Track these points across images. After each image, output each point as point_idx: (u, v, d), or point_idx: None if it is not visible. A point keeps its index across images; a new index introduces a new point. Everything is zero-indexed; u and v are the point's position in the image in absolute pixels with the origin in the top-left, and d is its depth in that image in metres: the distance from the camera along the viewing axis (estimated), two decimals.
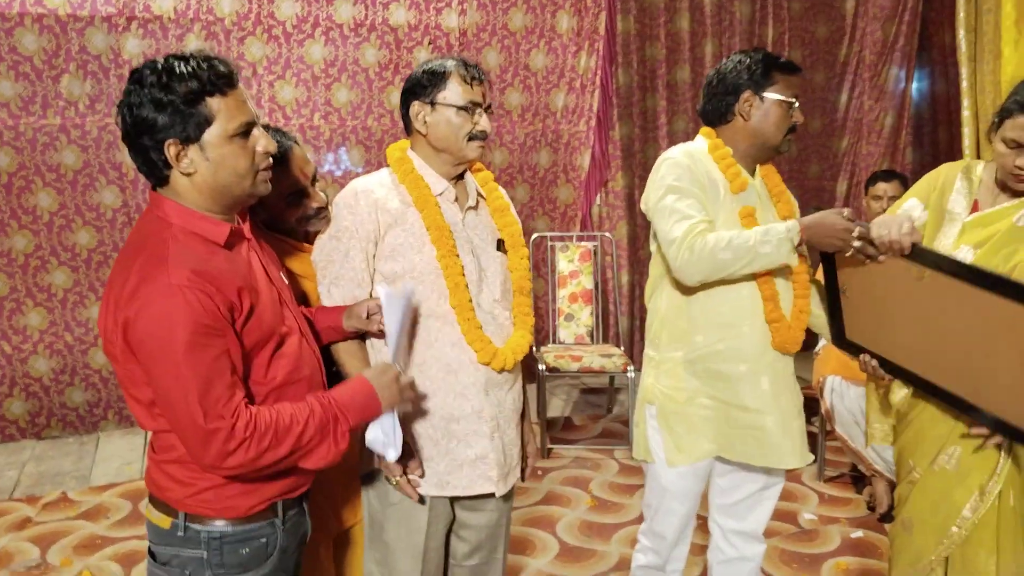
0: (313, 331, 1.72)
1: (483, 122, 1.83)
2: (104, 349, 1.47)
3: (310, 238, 1.97)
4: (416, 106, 1.83)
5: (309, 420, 1.46)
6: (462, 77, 1.81)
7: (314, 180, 1.92)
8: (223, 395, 1.37)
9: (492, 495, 1.89)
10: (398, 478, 1.81)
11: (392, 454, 1.65)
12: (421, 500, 1.84)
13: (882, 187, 3.56)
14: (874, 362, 2.00)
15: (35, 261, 4.28)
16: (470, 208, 1.91)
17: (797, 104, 2.05)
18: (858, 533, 3.25)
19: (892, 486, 3.29)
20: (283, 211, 1.87)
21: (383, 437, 1.63)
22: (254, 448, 1.39)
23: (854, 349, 2.06)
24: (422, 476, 1.83)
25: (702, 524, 2.43)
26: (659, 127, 5.28)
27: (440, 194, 1.85)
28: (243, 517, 1.49)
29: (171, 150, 1.40)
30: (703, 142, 2.11)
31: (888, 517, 3.29)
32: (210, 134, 1.41)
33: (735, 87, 2.05)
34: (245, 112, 1.45)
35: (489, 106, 1.87)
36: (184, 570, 1.49)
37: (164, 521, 1.50)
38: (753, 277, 2.00)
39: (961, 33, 3.69)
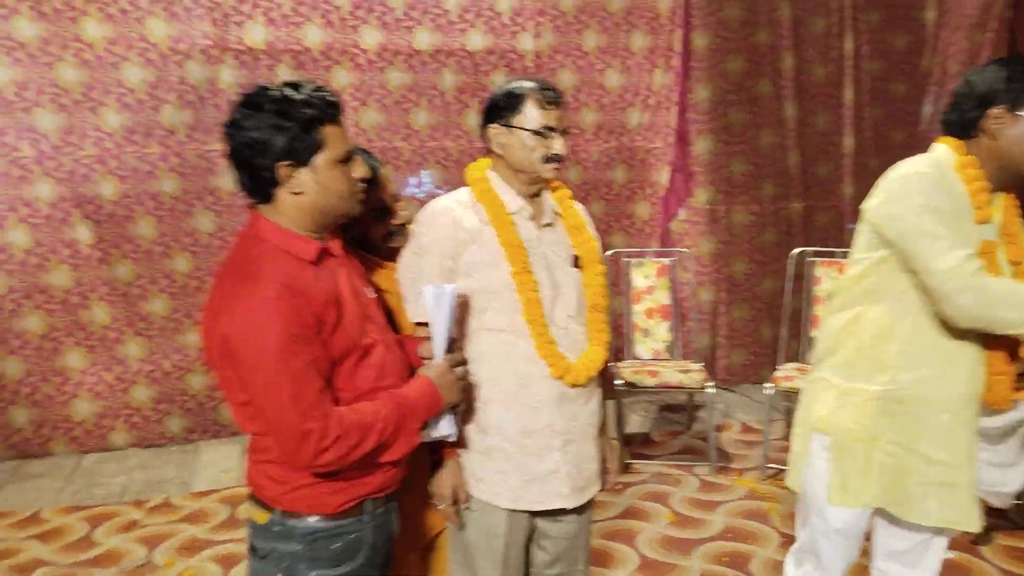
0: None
1: (558, 145, 1.86)
2: (204, 357, 1.61)
3: (393, 256, 2.07)
4: (493, 128, 1.89)
5: (388, 418, 1.56)
6: (538, 101, 1.85)
7: (396, 199, 2.03)
8: (315, 398, 1.48)
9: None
10: (443, 507, 1.90)
11: (454, 437, 1.77)
12: (461, 527, 1.93)
13: None
14: None
15: (136, 290, 4.46)
16: (546, 225, 1.95)
17: None
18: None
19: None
20: (369, 227, 1.97)
21: (447, 430, 1.74)
22: (345, 445, 1.50)
23: None
24: (467, 508, 1.92)
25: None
26: (745, 141, 5.25)
27: (516, 212, 1.91)
28: (334, 513, 1.59)
29: (282, 171, 1.52)
30: (949, 155, 1.87)
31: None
32: (320, 158, 1.54)
33: (985, 99, 1.80)
34: (348, 141, 1.59)
35: (566, 129, 1.89)
36: (280, 563, 1.60)
37: (262, 517, 1.61)
38: None
39: None
